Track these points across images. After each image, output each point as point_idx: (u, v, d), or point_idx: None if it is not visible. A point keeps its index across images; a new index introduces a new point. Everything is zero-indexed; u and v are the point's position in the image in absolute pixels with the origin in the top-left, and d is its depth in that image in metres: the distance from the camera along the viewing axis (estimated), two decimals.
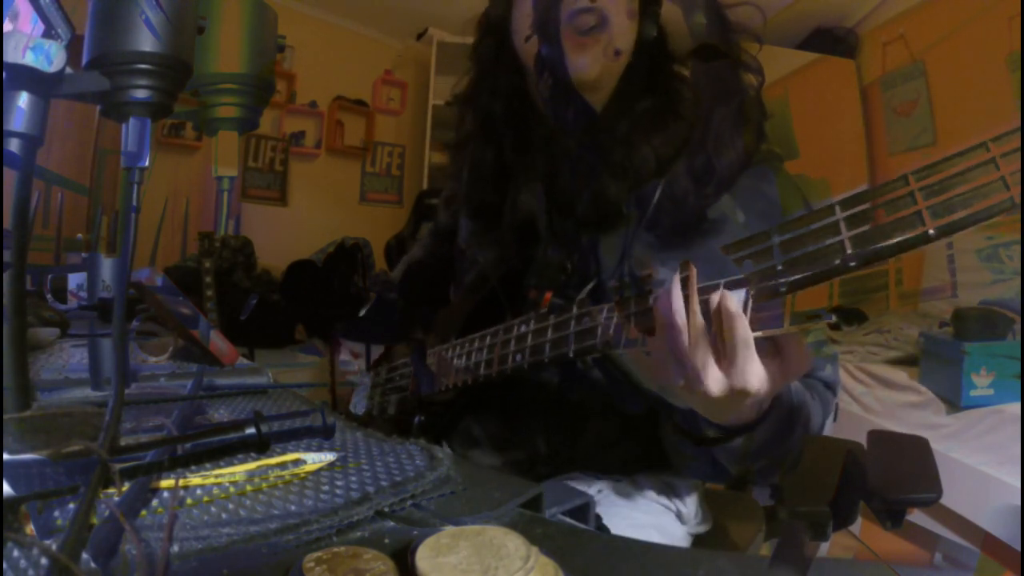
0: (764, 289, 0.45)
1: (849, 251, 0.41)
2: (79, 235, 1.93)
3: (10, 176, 0.46)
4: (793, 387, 0.61)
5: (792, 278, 0.44)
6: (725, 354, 0.46)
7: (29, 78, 0.42)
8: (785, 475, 0.59)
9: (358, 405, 0.94)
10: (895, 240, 0.40)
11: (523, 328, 0.66)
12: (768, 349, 0.47)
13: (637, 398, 0.72)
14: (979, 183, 0.38)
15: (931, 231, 0.39)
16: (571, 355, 0.59)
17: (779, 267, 0.44)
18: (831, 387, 0.69)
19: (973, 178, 0.38)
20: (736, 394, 0.47)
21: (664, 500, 0.79)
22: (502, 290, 0.77)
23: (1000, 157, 0.37)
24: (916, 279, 2.81)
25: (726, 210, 0.70)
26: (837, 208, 0.42)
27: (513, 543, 0.33)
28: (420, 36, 3.98)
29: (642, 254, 0.71)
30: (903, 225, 0.40)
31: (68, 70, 0.43)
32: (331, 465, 0.48)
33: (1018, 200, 0.36)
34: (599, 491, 0.79)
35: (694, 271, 0.48)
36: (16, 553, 0.33)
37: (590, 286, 0.65)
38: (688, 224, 0.70)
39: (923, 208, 0.39)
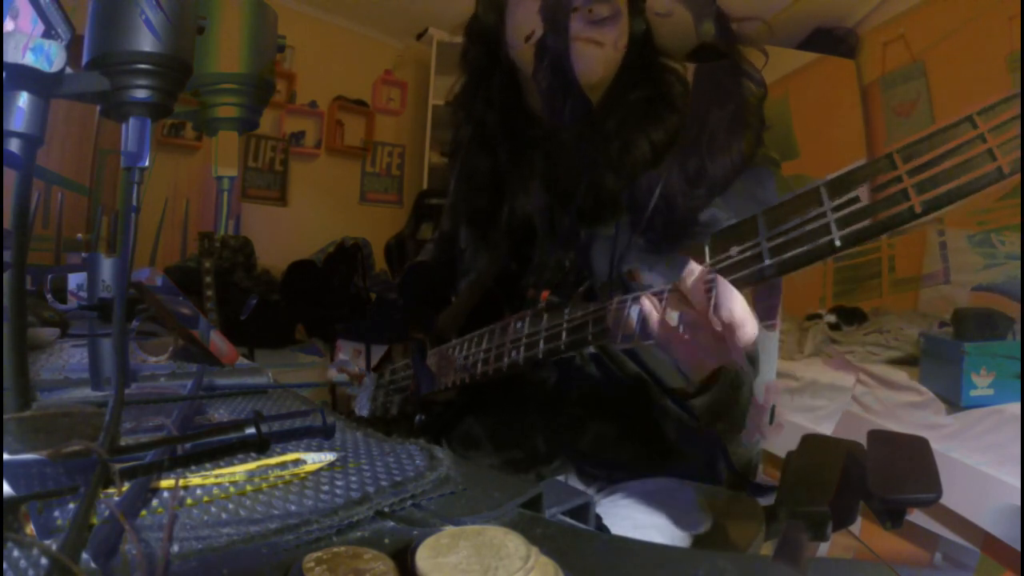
0: (751, 272, 0.45)
1: (835, 231, 0.41)
2: (79, 235, 1.93)
3: (10, 176, 0.46)
4: None
5: (779, 259, 0.44)
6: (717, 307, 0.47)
7: (29, 78, 0.42)
8: (784, 474, 0.59)
9: (362, 407, 0.94)
10: (881, 218, 0.40)
11: (519, 325, 0.66)
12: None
13: (635, 394, 0.73)
14: (966, 157, 0.38)
15: (917, 207, 0.39)
16: (563, 348, 0.59)
17: (765, 250, 0.44)
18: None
19: (959, 152, 0.38)
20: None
21: (663, 500, 0.79)
22: (500, 290, 0.78)
23: (988, 131, 0.37)
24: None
25: (718, 213, 0.70)
26: (823, 190, 0.42)
27: (513, 543, 0.33)
28: (420, 36, 3.98)
29: (633, 256, 0.71)
30: (889, 203, 0.40)
31: (68, 70, 0.43)
32: (331, 465, 0.48)
33: (1006, 170, 0.36)
34: (599, 491, 0.79)
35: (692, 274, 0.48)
36: (16, 553, 0.33)
37: (585, 286, 0.66)
38: (678, 226, 0.70)
39: (908, 185, 0.39)
